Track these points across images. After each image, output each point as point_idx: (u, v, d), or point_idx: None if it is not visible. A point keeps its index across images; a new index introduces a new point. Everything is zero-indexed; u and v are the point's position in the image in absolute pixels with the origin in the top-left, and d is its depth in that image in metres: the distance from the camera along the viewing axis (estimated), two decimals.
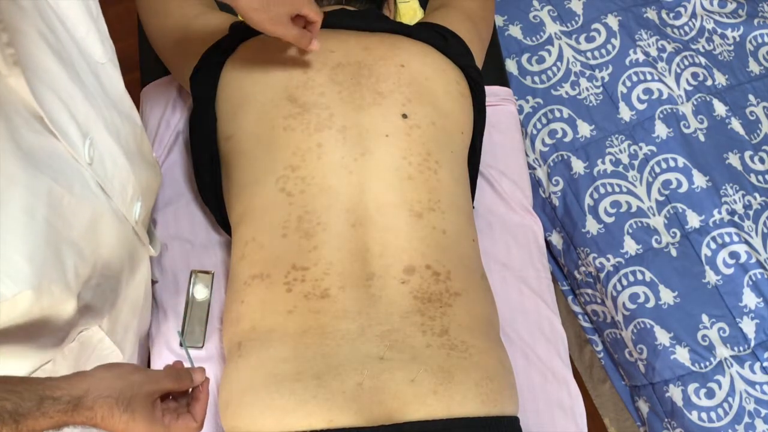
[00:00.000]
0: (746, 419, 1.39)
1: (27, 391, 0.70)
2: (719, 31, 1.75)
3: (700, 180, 1.56)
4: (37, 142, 0.75)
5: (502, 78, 1.58)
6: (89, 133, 0.83)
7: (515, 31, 1.72)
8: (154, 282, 1.28)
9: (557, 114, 1.65)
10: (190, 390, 0.87)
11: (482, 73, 1.35)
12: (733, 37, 1.75)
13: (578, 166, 1.60)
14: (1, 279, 0.70)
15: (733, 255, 1.50)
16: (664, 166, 1.58)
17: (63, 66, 0.79)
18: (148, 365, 1.24)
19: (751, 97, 1.68)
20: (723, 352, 1.44)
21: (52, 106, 0.76)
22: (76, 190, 0.80)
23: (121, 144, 0.91)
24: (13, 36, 0.70)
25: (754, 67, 1.73)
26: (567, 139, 1.62)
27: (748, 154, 1.62)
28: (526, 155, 1.59)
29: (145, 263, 1.07)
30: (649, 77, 1.65)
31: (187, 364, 0.91)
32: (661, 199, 1.55)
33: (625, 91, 1.65)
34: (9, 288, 0.71)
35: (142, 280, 1.06)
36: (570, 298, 1.68)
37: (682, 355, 1.44)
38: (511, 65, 1.69)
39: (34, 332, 0.79)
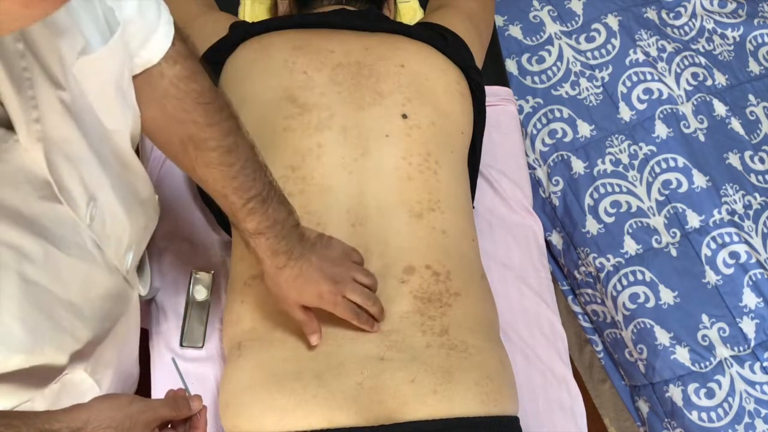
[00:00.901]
0: (746, 419, 1.39)
1: (25, 425, 0.70)
2: (719, 31, 1.75)
3: (700, 180, 1.56)
4: (41, 208, 0.75)
5: (502, 78, 1.58)
6: (95, 196, 0.82)
7: (515, 31, 1.72)
8: (154, 289, 1.27)
9: (557, 114, 1.65)
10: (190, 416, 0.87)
11: (482, 73, 1.35)
12: (733, 37, 1.75)
13: (578, 166, 1.60)
14: None
15: (733, 255, 1.50)
16: (664, 166, 1.58)
17: (83, 135, 0.78)
18: (148, 365, 1.24)
19: (751, 97, 1.68)
20: (723, 352, 1.44)
21: (64, 176, 0.76)
22: (73, 251, 0.80)
23: (124, 198, 0.90)
24: (42, 113, 0.69)
25: (754, 67, 1.73)
26: (567, 139, 1.62)
27: (748, 154, 1.62)
28: (526, 155, 1.59)
29: (134, 302, 1.05)
30: (649, 77, 1.65)
31: (179, 382, 0.91)
32: (661, 199, 1.55)
33: (625, 91, 1.65)
34: (1, 353, 0.72)
35: (129, 320, 1.05)
36: (570, 298, 1.68)
37: (682, 355, 1.44)
38: (511, 65, 1.69)
39: (21, 379, 0.79)
